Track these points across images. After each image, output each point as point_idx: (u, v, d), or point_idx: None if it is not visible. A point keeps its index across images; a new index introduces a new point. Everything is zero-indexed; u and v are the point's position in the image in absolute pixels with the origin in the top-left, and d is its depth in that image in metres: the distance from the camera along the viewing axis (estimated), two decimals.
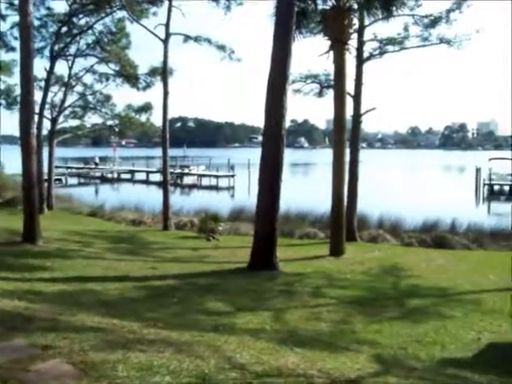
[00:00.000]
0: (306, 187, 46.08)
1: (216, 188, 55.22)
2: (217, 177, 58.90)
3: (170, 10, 24.37)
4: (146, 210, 28.84)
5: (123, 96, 33.18)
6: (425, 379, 5.99)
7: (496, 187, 50.73)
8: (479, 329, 9.20)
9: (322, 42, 18.33)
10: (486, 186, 48.67)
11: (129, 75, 28.97)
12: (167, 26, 24.29)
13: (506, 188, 50.78)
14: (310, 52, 19.68)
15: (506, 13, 26.74)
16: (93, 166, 70.61)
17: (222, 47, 25.66)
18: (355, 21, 18.84)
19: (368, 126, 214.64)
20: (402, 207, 26.90)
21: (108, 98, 31.07)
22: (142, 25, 25.42)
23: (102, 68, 29.92)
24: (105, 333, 6.35)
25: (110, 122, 32.58)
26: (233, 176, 57.52)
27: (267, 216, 13.94)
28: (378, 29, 33.96)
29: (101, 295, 10.26)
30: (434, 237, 20.41)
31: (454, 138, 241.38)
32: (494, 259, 17.28)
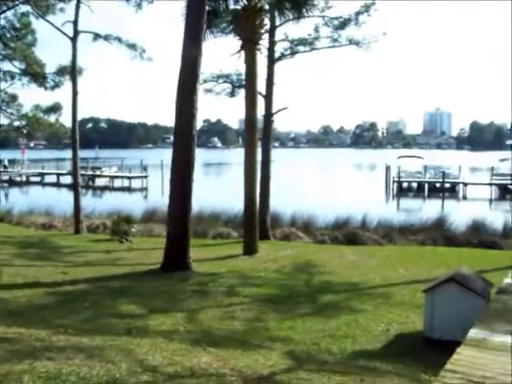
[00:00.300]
0: (219, 187, 46.18)
1: (129, 189, 54.23)
2: (129, 178, 57.84)
3: (78, 7, 23.65)
4: (56, 214, 27.89)
5: (31, 96, 31.88)
6: (336, 372, 6.16)
7: (405, 184, 52.82)
8: (388, 321, 9.56)
9: (233, 42, 18.42)
10: (396, 183, 50.56)
11: (36, 74, 27.83)
12: (75, 23, 23.57)
13: (414, 185, 53.03)
14: (222, 52, 19.74)
15: (412, 16, 27.88)
16: (1, 169, 67.44)
17: (132, 46, 25.19)
18: (266, 21, 18.99)
19: (280, 125, 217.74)
20: (314, 205, 27.45)
21: (14, 97, 29.73)
22: (48, 21, 24.52)
23: (6, 66, 28.59)
24: (11, 343, 6.10)
25: (16, 123, 31.19)
26: (146, 177, 56.66)
27: (179, 216, 13.86)
28: (290, 29, 34.38)
29: (8, 303, 9.85)
30: (346, 233, 20.97)
31: (364, 137, 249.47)
32: (403, 253, 18.00)
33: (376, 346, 8.08)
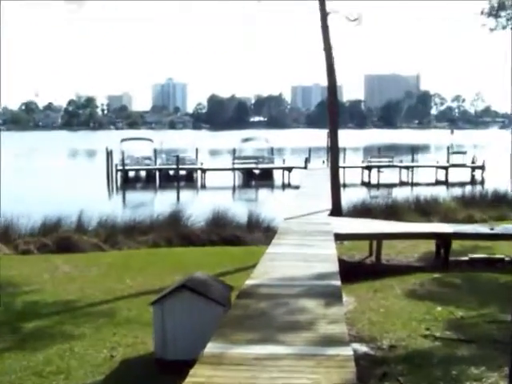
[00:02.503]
0: None
1: None
2: None
3: None
4: None
5: None
6: None
7: (131, 173, 53.58)
8: (113, 345, 9.66)
9: None
10: (120, 173, 50.80)
11: None
12: None
13: (143, 174, 54.13)
14: None
15: None
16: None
17: None
18: None
19: None
20: (15, 206, 26.42)
21: None
22: None
23: None
24: None
25: None
26: None
27: None
28: None
29: None
30: (58, 239, 20.53)
31: (80, 116, 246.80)
32: (130, 259, 18.26)
33: (97, 379, 8.11)
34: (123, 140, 58.54)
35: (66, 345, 9.65)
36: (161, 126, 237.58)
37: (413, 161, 57.50)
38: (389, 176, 50.18)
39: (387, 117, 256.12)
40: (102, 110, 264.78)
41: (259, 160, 53.61)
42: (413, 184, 48.29)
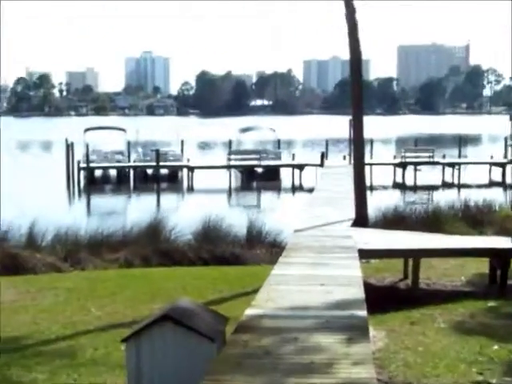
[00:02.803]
0: None
1: None
2: None
3: None
4: None
5: None
6: None
7: (98, 172, 53.54)
8: None
9: None
10: (84, 171, 50.71)
11: None
12: None
13: (113, 173, 54.09)
14: None
15: None
16: None
17: None
18: None
19: None
20: None
21: None
22: None
23: None
24: None
25: None
26: None
27: None
28: None
29: None
30: (3, 257, 20.49)
31: (31, 98, 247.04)
32: (97, 283, 18.20)
33: None
34: (88, 130, 58.54)
35: None
36: (136, 111, 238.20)
37: (460, 156, 57.52)
38: (429, 176, 50.20)
39: (426, 99, 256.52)
40: (60, 91, 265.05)
41: (262, 155, 53.59)
42: (460, 186, 48.31)
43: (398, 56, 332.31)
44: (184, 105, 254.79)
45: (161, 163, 50.90)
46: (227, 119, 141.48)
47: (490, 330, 12.60)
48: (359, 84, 25.56)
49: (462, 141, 60.17)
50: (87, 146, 52.06)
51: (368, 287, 12.61)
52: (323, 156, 50.12)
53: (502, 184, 48.91)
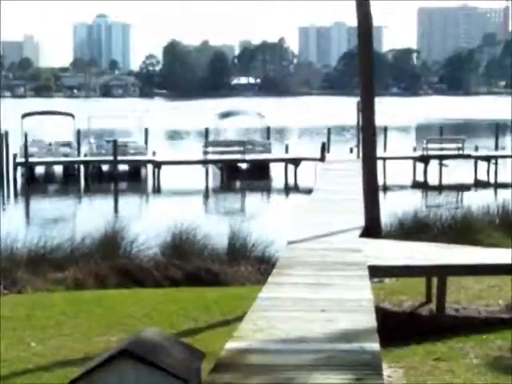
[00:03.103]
0: None
1: None
2: None
3: None
4: None
5: None
6: None
7: (39, 169, 53.42)
8: None
9: None
10: (21, 168, 50.50)
11: None
12: None
13: (59, 169, 54.03)
14: None
15: None
16: None
17: None
18: None
19: None
20: None
21: None
22: None
23: None
24: None
25: None
26: None
27: None
28: None
29: None
30: None
31: None
32: (38, 309, 18.16)
33: None
34: (26, 115, 58.41)
35: None
36: (88, 92, 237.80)
37: (497, 148, 57.66)
38: (458, 172, 50.33)
39: (454, 76, 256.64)
40: None
41: (247, 147, 53.49)
42: (497, 185, 48.46)
43: (418, 22, 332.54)
44: (148, 84, 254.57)
45: (119, 157, 50.68)
46: (203, 102, 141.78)
47: None
48: (369, 57, 25.54)
49: (499, 128, 60.31)
50: (25, 136, 51.54)
51: (381, 313, 12.64)
52: (324, 148, 50.15)
53: None
